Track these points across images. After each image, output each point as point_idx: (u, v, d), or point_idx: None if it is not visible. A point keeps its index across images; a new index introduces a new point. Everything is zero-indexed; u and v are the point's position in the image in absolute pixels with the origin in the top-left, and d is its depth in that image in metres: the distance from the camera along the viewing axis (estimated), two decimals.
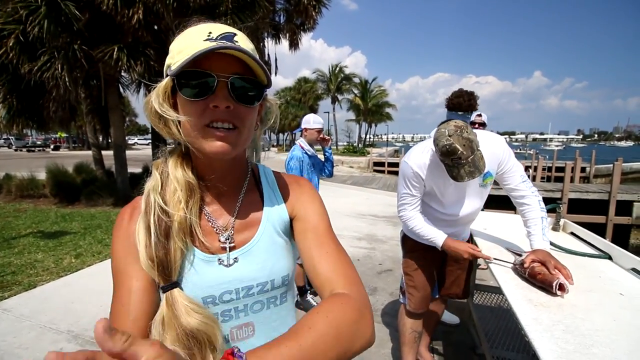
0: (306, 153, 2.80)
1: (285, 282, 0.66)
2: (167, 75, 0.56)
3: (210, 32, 0.53)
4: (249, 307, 0.63)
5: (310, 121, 2.82)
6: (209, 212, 0.64)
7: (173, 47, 0.55)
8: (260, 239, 0.64)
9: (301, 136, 2.87)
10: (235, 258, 0.62)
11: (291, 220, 0.69)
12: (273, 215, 0.67)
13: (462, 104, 2.24)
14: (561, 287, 1.26)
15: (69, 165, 8.42)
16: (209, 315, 0.56)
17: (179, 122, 0.57)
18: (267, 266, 0.63)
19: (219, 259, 0.61)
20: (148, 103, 0.57)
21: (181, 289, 0.57)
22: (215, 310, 0.60)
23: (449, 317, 2.77)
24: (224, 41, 0.52)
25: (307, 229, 0.66)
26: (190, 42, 0.53)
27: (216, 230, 0.63)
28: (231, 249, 0.62)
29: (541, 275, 1.32)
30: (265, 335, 0.65)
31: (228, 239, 0.62)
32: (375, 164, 20.34)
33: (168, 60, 0.56)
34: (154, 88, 0.57)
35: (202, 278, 0.59)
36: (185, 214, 0.58)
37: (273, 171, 0.75)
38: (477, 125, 3.23)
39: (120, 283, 0.57)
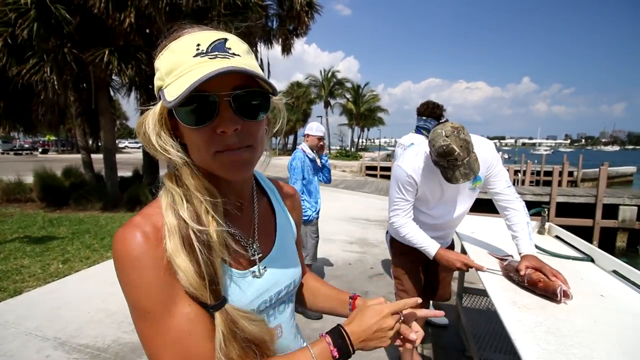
0: (307, 156, 3.05)
1: (300, 280, 0.71)
2: (159, 98, 0.51)
3: (198, 45, 0.48)
4: (277, 309, 0.66)
5: (313, 128, 3.11)
6: (232, 225, 0.60)
7: (160, 67, 0.50)
8: (280, 245, 0.67)
9: (304, 141, 3.15)
10: (264, 267, 0.62)
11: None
12: (283, 221, 0.71)
13: (422, 111, 2.63)
14: (565, 294, 1.26)
15: (57, 169, 8.28)
16: (264, 320, 0.57)
17: (184, 146, 0.53)
18: (289, 269, 0.67)
19: (252, 272, 0.60)
20: (141, 127, 0.53)
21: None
22: None
23: (439, 319, 2.80)
24: (216, 52, 0.48)
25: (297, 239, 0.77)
26: (179, 59, 0.48)
27: (243, 242, 0.61)
28: (260, 259, 0.63)
29: (542, 284, 1.31)
30: (289, 333, 0.69)
31: (256, 250, 0.63)
32: (368, 168, 20.46)
33: (157, 82, 0.51)
34: (147, 112, 0.53)
35: (244, 294, 0.58)
36: (220, 225, 0.54)
37: (265, 176, 0.76)
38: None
39: (169, 313, 0.49)
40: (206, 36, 0.50)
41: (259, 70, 0.50)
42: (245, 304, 0.57)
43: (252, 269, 0.60)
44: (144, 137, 0.52)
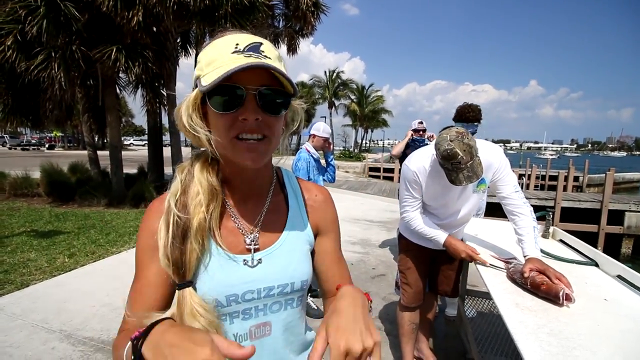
0: (312, 156, 2.99)
1: (303, 286, 0.69)
2: (196, 86, 0.57)
3: (237, 44, 0.54)
4: (268, 307, 0.66)
5: (320, 129, 3.04)
6: (235, 213, 0.67)
7: (201, 59, 0.57)
8: (284, 243, 0.68)
9: (308, 140, 3.08)
10: (259, 259, 0.65)
11: (315, 235, 0.74)
12: (297, 222, 0.71)
13: (467, 115, 2.52)
14: (567, 297, 1.26)
15: (63, 165, 8.37)
16: (212, 321, 0.56)
17: (209, 131, 0.58)
18: (289, 269, 0.67)
19: (244, 260, 0.64)
20: (178, 112, 0.59)
21: (195, 288, 0.58)
22: (237, 309, 0.63)
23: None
24: (251, 52, 0.54)
25: (328, 248, 0.75)
26: (218, 54, 0.54)
27: (242, 231, 0.66)
28: (256, 250, 0.65)
29: (545, 286, 1.31)
30: (281, 335, 0.68)
31: (253, 241, 0.65)
32: (371, 169, 20.42)
33: (197, 72, 0.57)
34: (184, 99, 0.58)
35: (228, 277, 0.62)
36: (205, 216, 0.60)
37: (296, 177, 0.78)
38: (420, 133, 3.57)
39: (140, 273, 0.61)
40: (245, 38, 0.56)
41: (283, 72, 0.54)
42: (227, 285, 0.61)
43: (244, 256, 0.64)
44: (179, 119, 0.59)
